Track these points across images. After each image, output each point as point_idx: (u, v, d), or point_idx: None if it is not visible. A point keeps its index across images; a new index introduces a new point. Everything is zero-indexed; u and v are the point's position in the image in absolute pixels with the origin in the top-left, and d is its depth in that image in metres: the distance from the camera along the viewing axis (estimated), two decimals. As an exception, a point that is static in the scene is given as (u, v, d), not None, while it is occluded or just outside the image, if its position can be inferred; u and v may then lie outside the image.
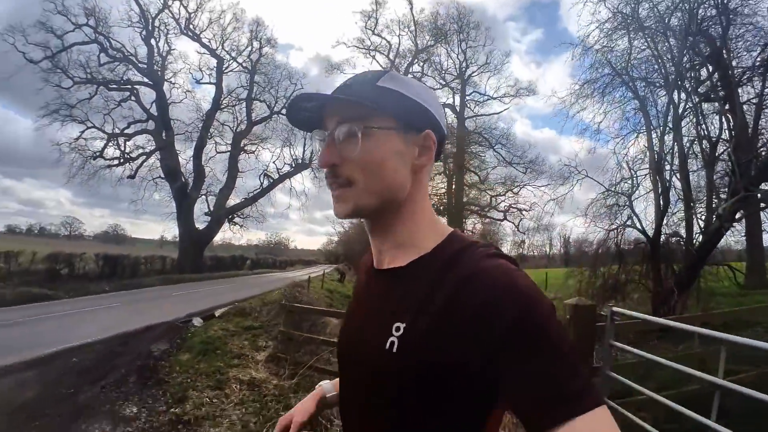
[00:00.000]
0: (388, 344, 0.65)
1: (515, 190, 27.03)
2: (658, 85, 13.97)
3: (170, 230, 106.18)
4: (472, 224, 28.78)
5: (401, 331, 0.65)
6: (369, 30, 27.77)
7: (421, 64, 27.91)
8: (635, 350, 3.36)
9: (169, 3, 26.55)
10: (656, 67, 13.77)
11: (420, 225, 0.74)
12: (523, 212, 26.77)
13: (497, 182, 27.44)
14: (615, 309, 3.71)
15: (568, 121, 16.85)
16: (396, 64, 27.94)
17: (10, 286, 13.97)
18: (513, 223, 27.28)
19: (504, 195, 27.46)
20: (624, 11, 13.75)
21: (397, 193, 0.71)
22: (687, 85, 12.93)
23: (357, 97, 0.69)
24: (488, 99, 28.14)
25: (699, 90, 12.92)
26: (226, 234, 28.88)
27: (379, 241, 0.77)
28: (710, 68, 12.79)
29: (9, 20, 31.67)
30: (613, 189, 14.37)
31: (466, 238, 0.72)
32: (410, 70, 28.28)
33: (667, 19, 12.93)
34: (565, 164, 15.94)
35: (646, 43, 13.70)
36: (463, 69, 27.80)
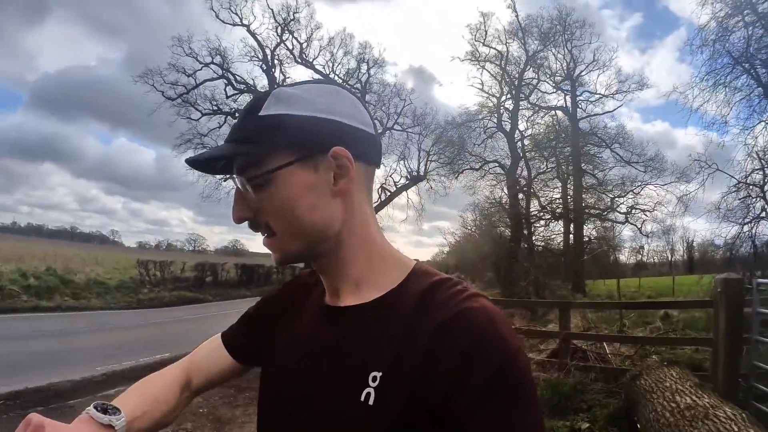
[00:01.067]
0: (363, 396, 0.54)
1: (636, 190, 24.68)
2: (780, 70, 13.04)
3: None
4: (591, 228, 26.75)
5: (378, 381, 0.55)
6: (479, 42, 27.41)
7: (536, 70, 26.92)
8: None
9: (284, 37, 28.77)
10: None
11: (374, 258, 0.64)
12: (646, 213, 24.30)
13: (616, 184, 25.26)
14: (760, 281, 4.12)
15: (692, 114, 15.80)
16: (508, 71, 27.29)
17: (165, 290, 15.77)
18: (635, 225, 24.90)
19: (624, 196, 25.24)
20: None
21: (325, 231, 0.61)
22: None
23: (240, 139, 0.60)
24: (600, 97, 26.19)
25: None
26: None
27: (331, 280, 0.66)
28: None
29: (147, 64, 36.08)
30: (744, 181, 13.61)
31: (432, 271, 0.64)
32: (524, 77, 27.41)
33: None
34: (695, 159, 15.32)
35: (763, 29, 12.78)
36: (571, 69, 26.27)
